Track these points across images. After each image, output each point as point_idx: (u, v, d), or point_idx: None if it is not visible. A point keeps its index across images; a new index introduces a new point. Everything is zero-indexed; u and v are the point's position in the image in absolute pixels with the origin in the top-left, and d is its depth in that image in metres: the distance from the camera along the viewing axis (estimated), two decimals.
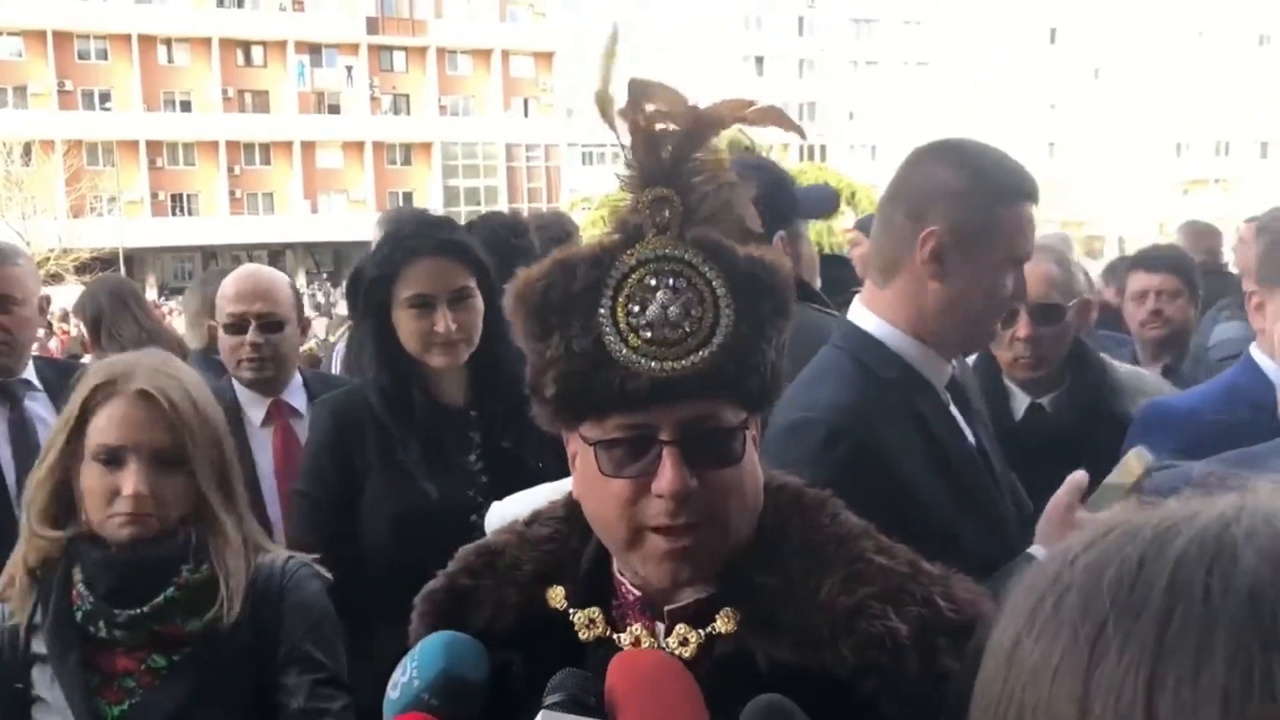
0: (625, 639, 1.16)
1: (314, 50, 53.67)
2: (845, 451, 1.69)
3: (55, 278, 32.57)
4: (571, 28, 56.30)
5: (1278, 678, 0.47)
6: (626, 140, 1.12)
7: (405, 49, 55.42)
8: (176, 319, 18.50)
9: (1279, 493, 0.56)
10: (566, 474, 1.23)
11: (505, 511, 1.75)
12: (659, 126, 1.11)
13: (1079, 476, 1.84)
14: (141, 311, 4.27)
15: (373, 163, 53.98)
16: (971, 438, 1.92)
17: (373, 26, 54.16)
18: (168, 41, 50.73)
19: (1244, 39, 64.27)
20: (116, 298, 4.22)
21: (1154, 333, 3.83)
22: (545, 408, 1.15)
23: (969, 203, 1.78)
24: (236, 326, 3.02)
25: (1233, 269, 5.48)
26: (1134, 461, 1.92)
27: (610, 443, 1.10)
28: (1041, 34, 64.24)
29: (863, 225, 5.42)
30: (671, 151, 1.12)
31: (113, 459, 1.83)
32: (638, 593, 1.18)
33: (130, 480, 1.81)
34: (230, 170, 51.58)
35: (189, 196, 51.61)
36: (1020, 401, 2.79)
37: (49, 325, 12.64)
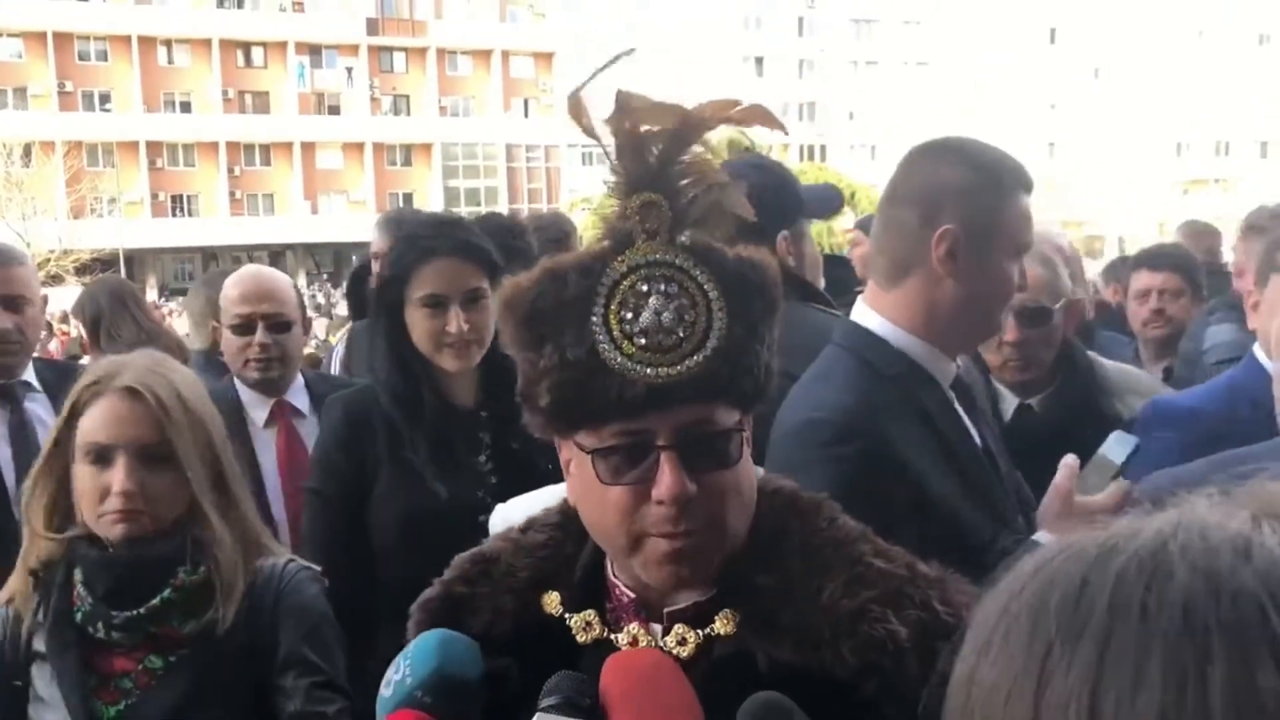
0: (622, 639, 1.16)
1: (314, 51, 53.71)
2: (855, 449, 1.69)
3: (55, 279, 32.62)
4: (571, 28, 56.33)
5: (1212, 691, 0.48)
6: (611, 145, 1.12)
7: (405, 50, 55.46)
8: (177, 320, 18.53)
9: (1216, 508, 0.57)
10: None
11: (510, 514, 1.75)
12: (644, 129, 1.11)
13: (1071, 460, 1.88)
14: (141, 312, 4.27)
15: (373, 163, 54.01)
16: (977, 436, 1.92)
17: (373, 27, 54.20)
18: (168, 42, 50.78)
19: (1244, 39, 64.30)
20: (116, 299, 4.21)
21: (1156, 332, 3.83)
22: (539, 416, 1.14)
23: (978, 199, 1.80)
24: (244, 327, 3.01)
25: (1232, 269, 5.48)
26: (1116, 446, 1.94)
27: (607, 450, 1.09)
28: (1041, 34, 64.26)
29: (863, 225, 5.40)
30: (658, 156, 1.11)
31: (101, 457, 1.84)
32: (632, 595, 1.18)
33: (118, 477, 1.81)
34: (230, 171, 51.61)
35: (189, 197, 51.64)
36: (1009, 402, 2.79)
37: (49, 326, 12.64)
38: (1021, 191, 1.85)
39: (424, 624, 1.23)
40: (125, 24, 48.98)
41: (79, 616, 1.86)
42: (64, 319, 13.64)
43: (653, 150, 1.11)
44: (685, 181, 1.12)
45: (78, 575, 1.88)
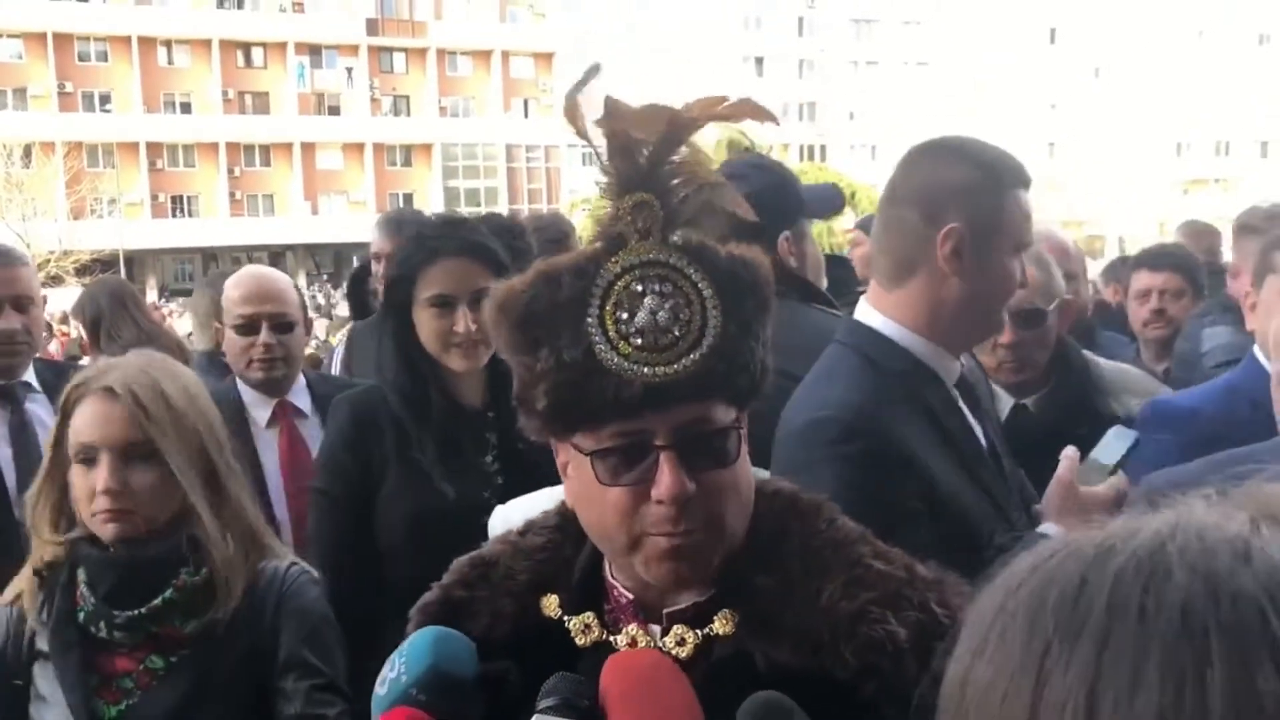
0: (621, 640, 1.16)
1: (314, 51, 53.71)
2: (861, 447, 1.70)
3: (55, 279, 32.62)
4: (571, 28, 56.34)
5: (1210, 693, 0.48)
6: (603, 147, 1.12)
7: (405, 50, 55.46)
8: (177, 320, 18.52)
9: (1213, 509, 0.57)
10: None
11: (510, 515, 1.75)
12: (634, 132, 1.11)
13: (1073, 453, 1.89)
14: (140, 313, 4.27)
15: (373, 164, 54.01)
16: (981, 435, 1.93)
17: (372, 28, 54.20)
18: (168, 43, 50.78)
19: (1244, 38, 64.30)
20: (116, 299, 4.21)
21: (1157, 333, 3.81)
22: (535, 419, 1.14)
23: (980, 197, 1.81)
24: (247, 327, 3.02)
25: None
26: (1115, 441, 1.95)
27: (606, 451, 1.09)
28: (1041, 34, 64.27)
29: (863, 225, 5.39)
30: (648, 156, 1.11)
31: (88, 457, 1.85)
32: (630, 595, 1.18)
33: (101, 477, 1.83)
34: (230, 172, 51.61)
35: (189, 198, 51.65)
36: (1004, 403, 2.79)
37: (49, 327, 12.64)
38: (1021, 189, 1.86)
39: (423, 627, 1.22)
40: (125, 24, 48.98)
41: (81, 616, 1.87)
42: (64, 320, 13.63)
43: (643, 151, 1.11)
44: (676, 181, 1.12)
45: (81, 575, 1.90)
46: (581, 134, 1.13)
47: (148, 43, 49.78)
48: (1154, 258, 4.03)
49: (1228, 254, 5.85)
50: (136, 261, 45.86)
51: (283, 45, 52.61)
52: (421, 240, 2.49)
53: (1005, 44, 62.16)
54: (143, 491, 1.84)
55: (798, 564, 1.14)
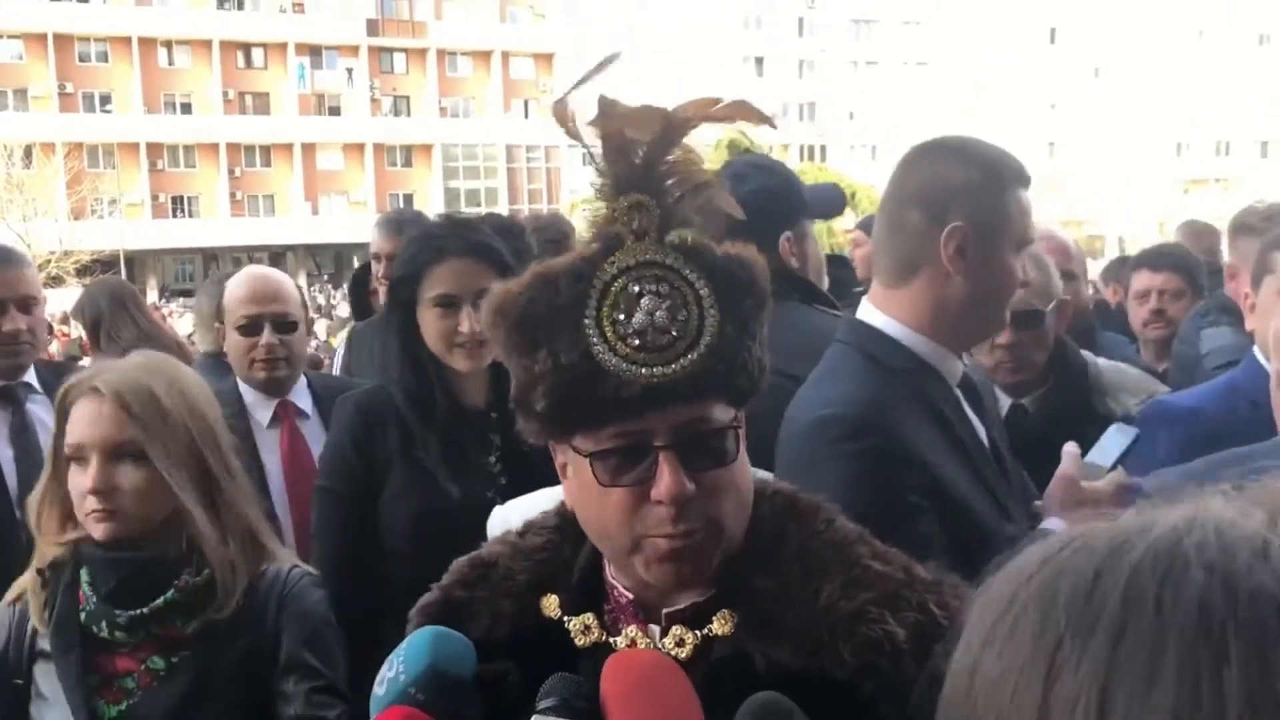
0: (620, 642, 1.17)
1: (314, 52, 53.73)
2: (868, 445, 1.70)
3: (56, 280, 32.63)
4: (571, 29, 56.34)
5: (1227, 691, 0.48)
6: (596, 147, 1.12)
7: (405, 51, 55.47)
8: (177, 321, 18.52)
9: (1230, 505, 0.56)
10: None
11: (509, 515, 1.75)
12: (628, 132, 1.11)
13: (1074, 448, 1.91)
14: (140, 314, 4.27)
15: (373, 164, 54.02)
16: (984, 435, 1.93)
17: (373, 28, 54.21)
18: (168, 44, 50.80)
19: (1244, 38, 64.31)
20: (116, 300, 4.21)
21: (1157, 333, 3.80)
22: (534, 422, 1.14)
23: (983, 195, 1.82)
24: (251, 328, 3.02)
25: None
26: (1117, 436, 1.96)
27: (605, 453, 1.09)
28: (1041, 34, 64.28)
29: (864, 226, 5.39)
30: (643, 157, 1.11)
31: (79, 457, 1.87)
32: (630, 595, 1.18)
33: (89, 476, 1.84)
34: (231, 172, 51.63)
35: (190, 199, 51.66)
36: (1002, 403, 2.79)
37: (49, 328, 12.65)
38: (1021, 187, 1.87)
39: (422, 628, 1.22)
40: (125, 25, 49.00)
41: (83, 616, 1.88)
42: (64, 320, 13.64)
43: (638, 152, 1.11)
44: (671, 181, 1.12)
45: (84, 575, 1.91)
46: (572, 134, 1.13)
47: (148, 43, 49.80)
48: (1154, 258, 4.01)
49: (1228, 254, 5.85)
50: (137, 262, 45.88)
51: (283, 46, 52.62)
52: (427, 240, 2.49)
53: (1005, 44, 62.17)
54: (130, 491, 1.85)
55: (796, 564, 1.14)
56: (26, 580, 1.97)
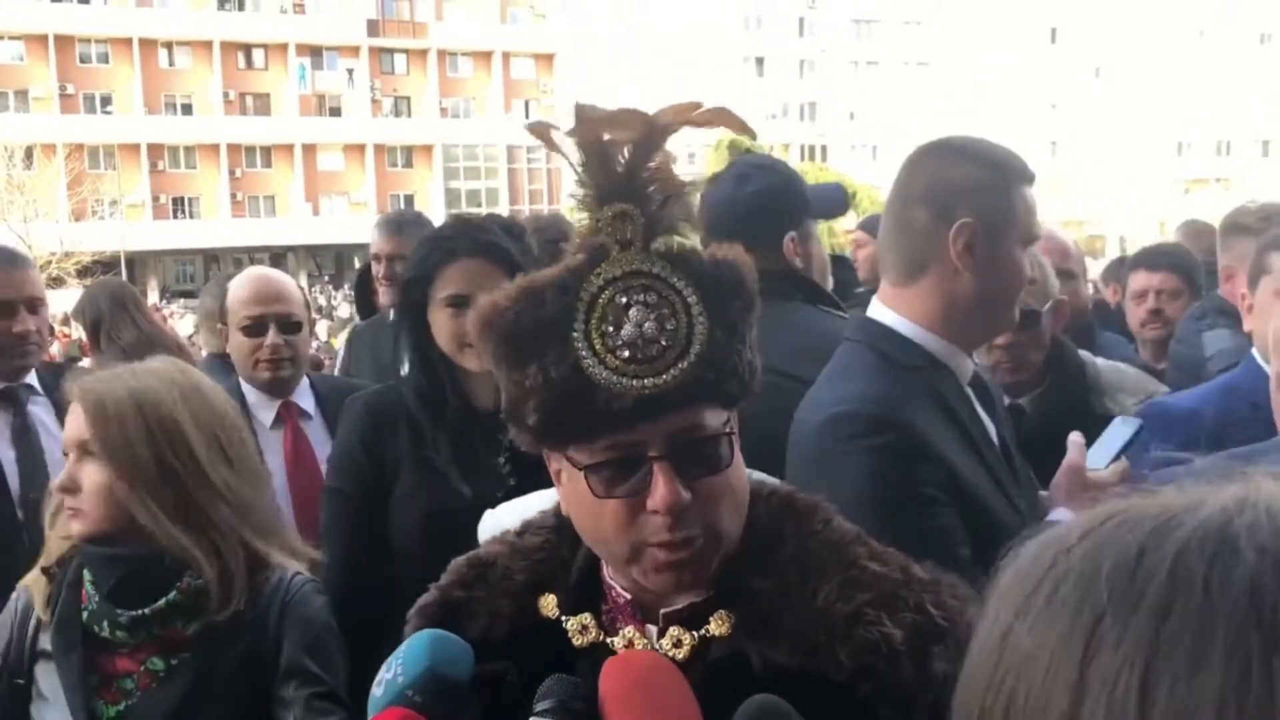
0: (618, 642, 1.17)
1: (315, 53, 53.76)
2: (886, 440, 1.71)
3: (57, 281, 32.63)
4: (572, 29, 56.36)
5: (1277, 678, 0.47)
6: (577, 160, 1.11)
7: (406, 51, 55.49)
8: (178, 321, 18.51)
9: None
10: None
11: (502, 519, 1.75)
12: (608, 138, 1.10)
13: (1079, 438, 1.93)
14: (141, 315, 4.27)
15: (374, 165, 54.05)
16: (994, 432, 1.94)
17: (373, 29, 54.24)
18: (169, 45, 50.83)
19: (1245, 38, 64.29)
20: (116, 301, 4.21)
21: (1154, 333, 3.78)
22: (526, 434, 1.14)
23: (990, 192, 1.83)
24: (255, 328, 3.02)
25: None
26: (1122, 427, 1.98)
27: (599, 465, 1.09)
28: (1042, 33, 64.27)
29: (867, 226, 5.38)
30: (626, 164, 1.11)
31: (67, 455, 1.93)
32: (628, 596, 1.18)
33: (62, 473, 1.90)
34: (231, 173, 51.66)
35: (190, 199, 51.70)
36: None
37: (50, 329, 12.64)
38: (1026, 184, 1.88)
39: (421, 629, 1.22)
40: (126, 26, 49.04)
41: (85, 616, 1.89)
42: (65, 321, 13.65)
43: (620, 160, 1.11)
44: (654, 188, 1.11)
45: (86, 575, 1.92)
46: (550, 145, 1.12)
47: (149, 44, 49.83)
48: (1151, 257, 3.98)
49: None
50: (138, 263, 45.91)
51: (283, 46, 52.65)
52: (438, 241, 2.49)
53: (1006, 44, 62.17)
54: (89, 491, 1.87)
55: (794, 565, 1.14)
56: (32, 578, 1.98)
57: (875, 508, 1.65)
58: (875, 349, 1.86)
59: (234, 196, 51.88)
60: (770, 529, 1.18)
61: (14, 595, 2.01)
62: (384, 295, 4.07)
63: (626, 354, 1.06)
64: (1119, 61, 62.64)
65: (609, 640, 1.18)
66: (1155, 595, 0.50)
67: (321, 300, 28.70)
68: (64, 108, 48.19)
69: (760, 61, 63.11)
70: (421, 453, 2.42)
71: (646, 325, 1.07)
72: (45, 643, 1.91)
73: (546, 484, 1.89)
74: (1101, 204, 56.04)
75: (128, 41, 49.13)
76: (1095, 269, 6.33)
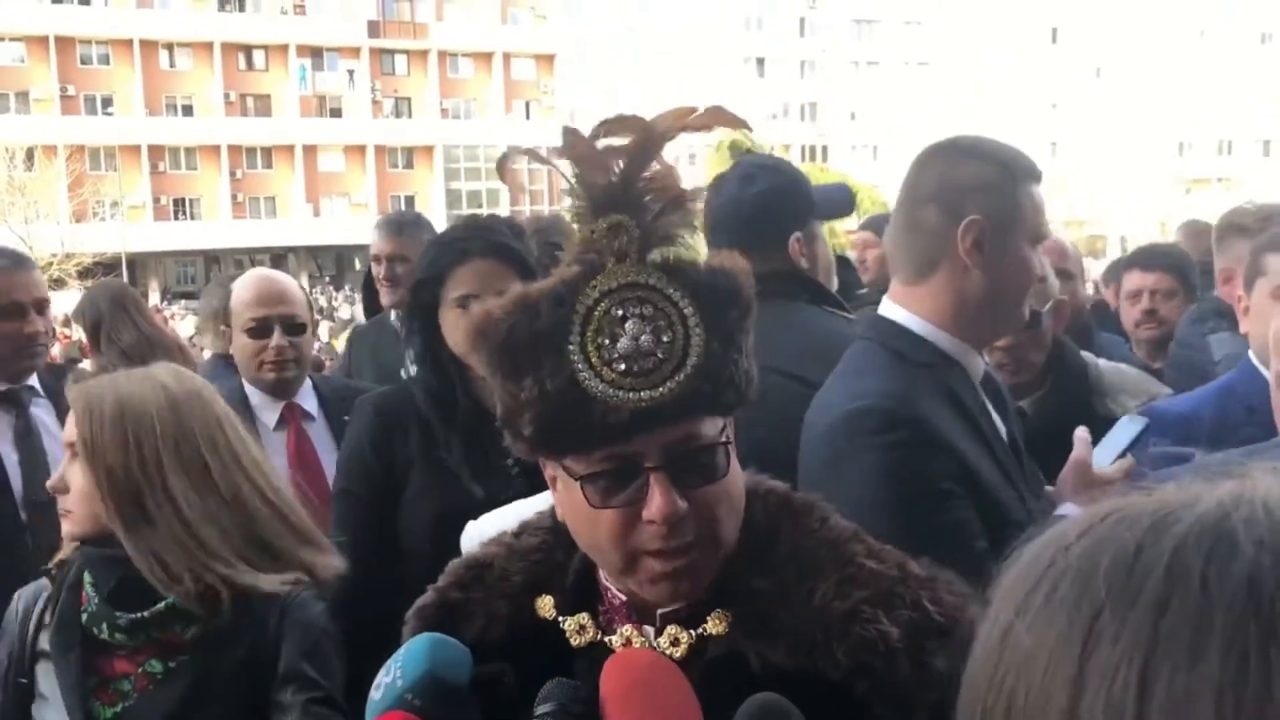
0: (616, 642, 1.17)
1: (315, 54, 53.75)
2: (903, 436, 1.72)
3: (58, 282, 32.60)
4: (573, 30, 56.34)
5: (1275, 670, 0.47)
6: (571, 171, 1.11)
7: (406, 52, 55.48)
8: (179, 323, 18.50)
9: (1278, 481, 0.55)
10: None
11: (484, 529, 1.76)
12: (601, 145, 1.10)
13: (1084, 433, 1.95)
14: (141, 316, 4.27)
15: (374, 166, 54.04)
16: (1004, 430, 1.96)
17: (374, 30, 54.22)
18: (169, 46, 50.83)
19: (1246, 38, 64.25)
20: (116, 302, 4.21)
21: (1149, 333, 3.77)
22: (522, 443, 1.13)
23: (997, 190, 1.85)
24: (260, 330, 3.03)
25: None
26: (1128, 425, 2.00)
27: (595, 476, 1.09)
28: (1043, 33, 64.24)
29: (872, 225, 5.37)
30: (621, 175, 1.10)
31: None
32: (624, 597, 1.18)
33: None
34: (232, 174, 51.65)
35: (191, 201, 51.70)
36: None
37: (52, 330, 12.64)
38: (1033, 182, 1.90)
39: (419, 631, 1.22)
40: (127, 27, 49.04)
41: (84, 617, 1.89)
42: (66, 323, 13.65)
43: (614, 171, 1.10)
44: (649, 198, 1.11)
45: (87, 577, 1.92)
46: (538, 159, 1.12)
47: (149, 46, 49.83)
48: (1146, 258, 3.97)
49: None
50: (139, 264, 45.92)
51: (284, 48, 52.65)
52: (449, 242, 2.49)
53: (1006, 44, 62.15)
54: (75, 492, 1.89)
55: (791, 564, 1.14)
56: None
57: (892, 503, 1.68)
58: (888, 347, 1.87)
59: (235, 198, 51.87)
60: (767, 528, 1.18)
61: (15, 596, 2.02)
62: (385, 296, 4.07)
63: (623, 367, 1.06)
64: (1120, 61, 62.60)
65: (606, 640, 1.18)
66: (1153, 590, 0.50)
67: (322, 301, 28.70)
68: (65, 109, 48.19)
69: (761, 62, 63.09)
70: (432, 453, 2.41)
71: (643, 338, 1.07)
72: (45, 643, 1.92)
73: None
74: (1102, 204, 56.01)
75: (128, 43, 49.14)
76: (1096, 269, 6.33)
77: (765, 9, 62.95)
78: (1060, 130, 61.74)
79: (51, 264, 34.37)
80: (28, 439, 2.96)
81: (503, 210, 38.02)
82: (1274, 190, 37.58)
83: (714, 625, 1.14)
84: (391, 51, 55.25)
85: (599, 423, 1.06)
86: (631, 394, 1.06)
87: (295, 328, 3.06)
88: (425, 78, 55.56)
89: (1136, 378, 3.02)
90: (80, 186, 43.56)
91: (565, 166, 1.12)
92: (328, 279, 46.91)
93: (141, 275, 45.93)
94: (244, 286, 3.12)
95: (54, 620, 1.91)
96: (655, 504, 1.06)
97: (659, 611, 1.17)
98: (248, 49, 52.52)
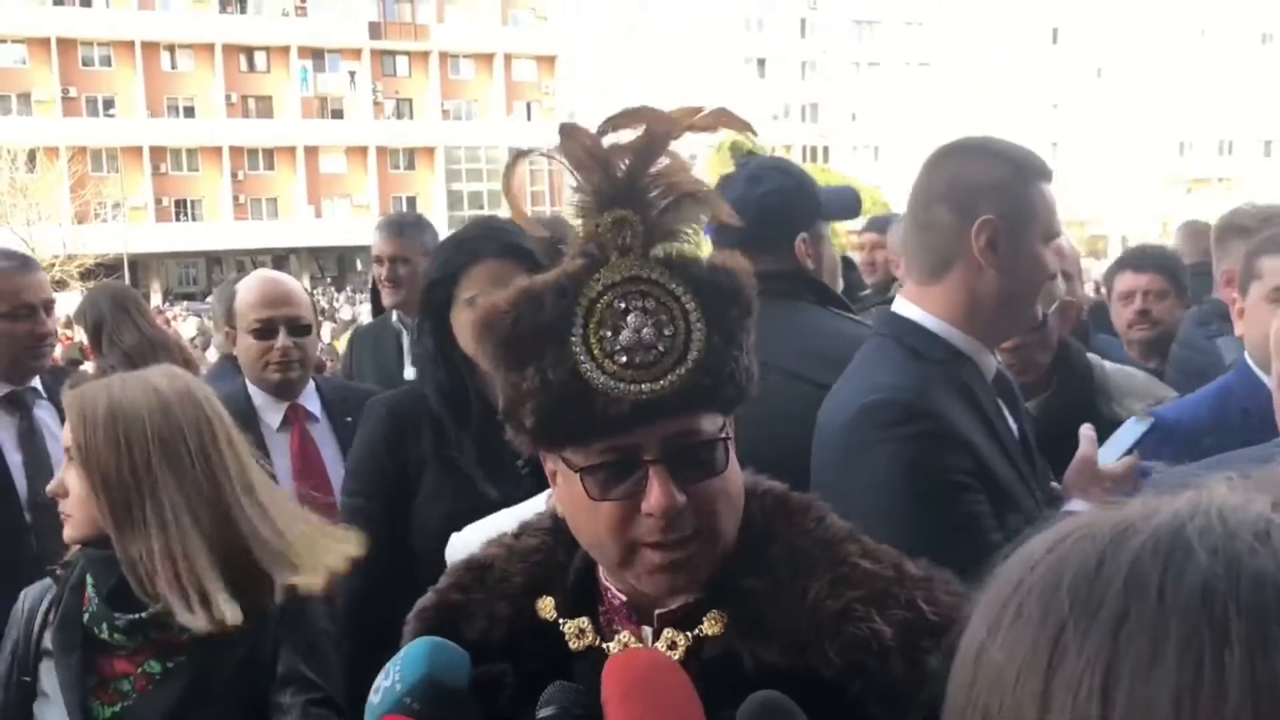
0: (614, 647, 1.18)
1: (316, 55, 53.75)
2: (920, 429, 1.74)
3: (60, 284, 32.59)
4: (573, 31, 56.33)
5: (1229, 672, 0.48)
6: (577, 165, 1.11)
7: (408, 53, 55.48)
8: (182, 324, 18.49)
9: (1234, 491, 0.56)
10: None
11: (467, 541, 1.76)
12: (607, 142, 1.11)
13: (1090, 431, 1.97)
14: (142, 318, 4.27)
15: (376, 167, 54.03)
16: (1015, 428, 1.97)
17: (375, 31, 54.23)
18: (171, 47, 50.85)
19: (1246, 37, 64.18)
20: (117, 304, 4.21)
21: (1141, 334, 3.77)
22: (523, 435, 1.14)
23: (1010, 189, 1.86)
24: (265, 331, 3.03)
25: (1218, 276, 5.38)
26: (1133, 427, 2.02)
27: (595, 467, 1.10)
28: (1043, 33, 64.19)
29: (876, 226, 5.37)
30: (627, 170, 1.11)
31: None
32: (624, 597, 1.19)
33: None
34: (234, 175, 51.66)
35: (193, 202, 51.72)
36: None
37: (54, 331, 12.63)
38: (1044, 181, 1.92)
39: (419, 632, 1.23)
40: (128, 29, 49.05)
41: (86, 618, 1.91)
42: (68, 324, 13.66)
43: (620, 166, 1.11)
44: (655, 193, 1.12)
45: (89, 578, 1.94)
46: (552, 156, 1.13)
47: (151, 47, 49.85)
48: (1137, 258, 3.97)
49: None
50: (140, 265, 45.93)
51: (285, 49, 52.66)
52: (462, 243, 2.49)
53: (1007, 44, 62.10)
54: (73, 496, 1.90)
55: (785, 564, 1.15)
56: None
57: (908, 495, 1.70)
58: (903, 343, 1.89)
59: (236, 199, 51.88)
60: (764, 528, 1.19)
61: (21, 595, 2.04)
62: (386, 297, 4.08)
63: (624, 359, 1.07)
64: (1120, 61, 62.55)
65: (605, 646, 1.19)
66: (1113, 602, 0.52)
67: (324, 303, 28.69)
68: (67, 111, 48.21)
69: (762, 63, 63.06)
70: (444, 454, 2.41)
71: (644, 331, 1.08)
72: (49, 642, 1.94)
73: None
74: (1103, 204, 55.96)
75: (130, 44, 49.15)
76: (1097, 269, 6.32)
77: (766, 9, 62.92)
78: (1061, 130, 61.67)
79: (54, 265, 34.36)
80: (31, 440, 2.97)
81: (504, 211, 37.94)
82: (1275, 190, 37.56)
83: (710, 626, 1.14)
84: (393, 53, 55.26)
85: (599, 414, 1.07)
86: (632, 386, 1.07)
87: (300, 329, 3.06)
88: (426, 79, 55.56)
89: (1143, 380, 3.01)
90: (82, 188, 43.58)
91: (570, 163, 1.12)
92: (329, 280, 46.93)
93: (143, 276, 45.94)
94: (248, 288, 3.13)
95: (57, 620, 1.93)
96: (654, 496, 1.07)
97: (656, 613, 1.17)
98: (249, 50, 52.54)
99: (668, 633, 1.16)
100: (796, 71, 64.14)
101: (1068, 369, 2.86)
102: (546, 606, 1.23)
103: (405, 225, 4.17)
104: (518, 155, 1.19)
